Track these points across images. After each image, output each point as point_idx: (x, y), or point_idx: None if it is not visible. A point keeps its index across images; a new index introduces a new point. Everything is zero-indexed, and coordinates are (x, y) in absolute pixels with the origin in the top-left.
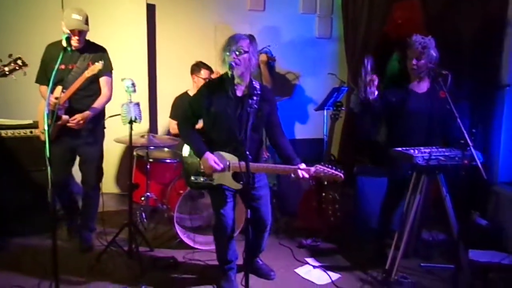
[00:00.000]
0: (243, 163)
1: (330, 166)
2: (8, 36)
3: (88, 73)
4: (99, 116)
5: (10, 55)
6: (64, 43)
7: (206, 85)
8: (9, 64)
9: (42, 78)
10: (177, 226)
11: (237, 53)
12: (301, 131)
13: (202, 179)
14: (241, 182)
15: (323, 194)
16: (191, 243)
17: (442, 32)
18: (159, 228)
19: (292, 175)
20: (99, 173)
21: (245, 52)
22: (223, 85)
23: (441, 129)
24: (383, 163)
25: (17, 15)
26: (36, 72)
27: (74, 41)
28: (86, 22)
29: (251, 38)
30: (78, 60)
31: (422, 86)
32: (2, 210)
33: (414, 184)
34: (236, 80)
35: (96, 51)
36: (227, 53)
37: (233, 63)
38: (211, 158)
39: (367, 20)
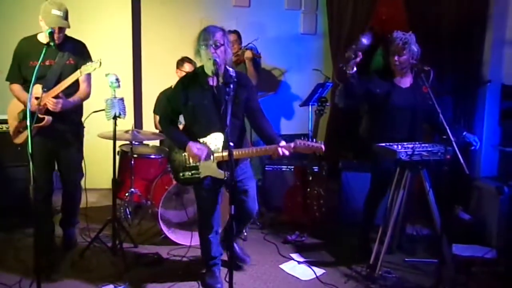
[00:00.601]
0: (226, 151)
1: (309, 140)
2: None
3: (81, 73)
4: (76, 113)
5: None
6: (47, 39)
7: (182, 80)
8: None
9: (14, 75)
10: (161, 222)
11: (214, 47)
12: (286, 127)
13: (189, 173)
14: (226, 171)
15: (308, 189)
16: (175, 239)
17: (424, 27)
18: (144, 224)
19: (274, 154)
20: (79, 172)
21: (221, 45)
22: (198, 78)
23: (424, 123)
24: (366, 158)
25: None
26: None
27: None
28: (66, 17)
29: (223, 29)
30: (56, 56)
31: (405, 81)
32: None
33: (398, 179)
34: (214, 73)
35: (75, 46)
36: (203, 47)
37: (217, 59)
38: (193, 146)
39: (352, 16)
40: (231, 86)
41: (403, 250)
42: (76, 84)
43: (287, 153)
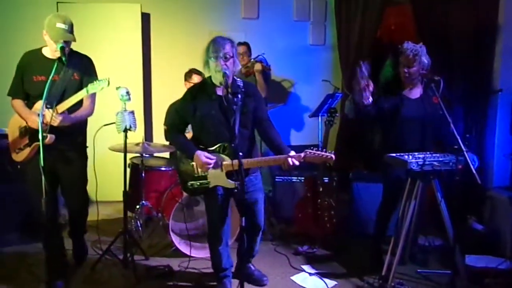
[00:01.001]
0: (235, 161)
1: (319, 149)
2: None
3: (88, 91)
4: (80, 132)
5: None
6: (55, 53)
7: (189, 90)
8: None
9: (17, 90)
10: (172, 234)
11: (224, 59)
12: (296, 138)
13: (198, 183)
14: (236, 182)
15: (319, 200)
16: (186, 251)
17: (434, 37)
18: (154, 237)
19: (284, 165)
20: (84, 197)
21: (231, 57)
22: (206, 88)
23: (435, 134)
24: (378, 169)
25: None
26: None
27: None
28: (71, 30)
29: (231, 41)
30: (61, 71)
31: (415, 92)
32: None
33: (409, 190)
34: (223, 84)
35: (81, 61)
36: (213, 59)
37: (227, 71)
38: (201, 154)
39: (360, 26)
40: (239, 96)
41: (416, 261)
42: (80, 101)
43: (297, 163)
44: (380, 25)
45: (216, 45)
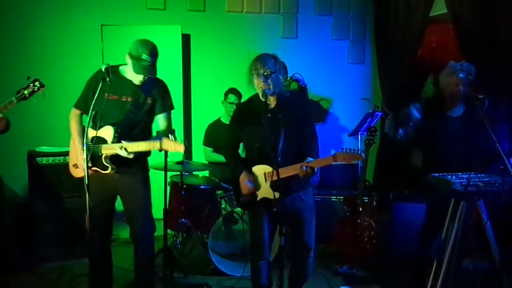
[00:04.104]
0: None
1: (350, 149)
2: (50, 66)
3: (163, 146)
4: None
5: (28, 78)
6: (140, 79)
7: (237, 107)
8: (27, 87)
9: (81, 102)
10: (211, 252)
11: (265, 75)
12: None
13: (248, 197)
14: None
15: (358, 220)
16: (225, 270)
17: (477, 55)
18: (194, 254)
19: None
20: (150, 222)
21: (273, 72)
22: (253, 105)
23: (480, 154)
24: (419, 188)
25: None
26: (62, 96)
27: None
28: (156, 61)
29: (275, 57)
30: (135, 93)
31: (458, 110)
32: (39, 235)
33: (453, 211)
34: (268, 101)
35: (156, 84)
36: (255, 76)
37: (266, 91)
38: (243, 180)
39: (400, 44)
40: (284, 108)
41: (459, 285)
42: (146, 125)
43: (309, 171)
44: (421, 43)
45: (258, 62)
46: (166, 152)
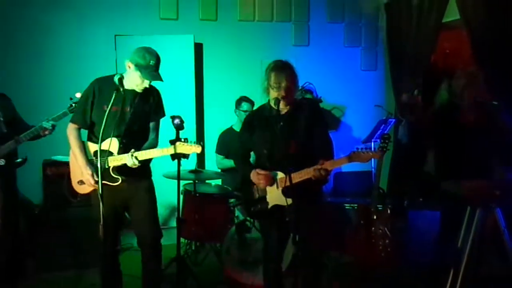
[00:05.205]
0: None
1: (367, 148)
2: (64, 76)
3: (178, 150)
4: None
5: (71, 99)
6: (144, 86)
7: (247, 117)
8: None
9: (78, 117)
10: (224, 261)
11: (283, 86)
12: (348, 164)
13: (259, 206)
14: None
15: (373, 228)
16: (238, 278)
17: (493, 61)
18: (207, 263)
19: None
20: (157, 229)
21: (292, 84)
22: (265, 112)
23: (496, 159)
24: (434, 196)
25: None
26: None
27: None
28: (158, 67)
29: (291, 67)
30: (133, 101)
31: (471, 116)
32: (53, 244)
33: (469, 218)
34: (280, 107)
35: (151, 92)
36: (275, 89)
37: (280, 97)
38: (255, 176)
39: (413, 50)
40: (297, 115)
41: None
42: (144, 133)
43: (323, 173)
44: (434, 49)
45: (276, 75)
46: (179, 160)
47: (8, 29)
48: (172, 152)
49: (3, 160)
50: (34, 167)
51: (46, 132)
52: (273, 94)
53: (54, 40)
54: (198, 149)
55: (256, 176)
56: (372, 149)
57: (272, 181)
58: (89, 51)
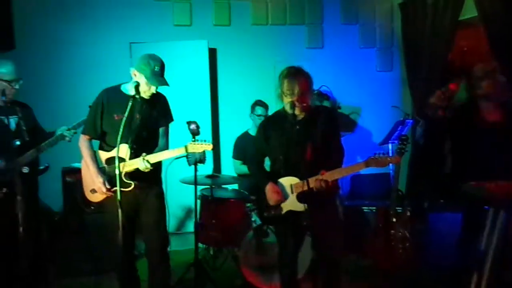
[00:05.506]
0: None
1: (381, 153)
2: (80, 84)
3: (189, 150)
4: (158, 169)
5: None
6: (150, 92)
7: (263, 123)
8: None
9: (90, 128)
10: (242, 265)
11: (296, 93)
12: None
13: (272, 211)
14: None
15: (392, 231)
16: (256, 283)
17: (509, 56)
18: (225, 268)
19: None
20: (166, 236)
21: (305, 90)
22: (280, 118)
23: None
24: (455, 197)
25: (85, 64)
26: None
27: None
28: (163, 73)
29: (305, 74)
30: (141, 108)
31: (492, 114)
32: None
33: (492, 220)
34: (296, 112)
35: (158, 99)
36: (288, 97)
37: (296, 102)
38: (270, 190)
39: (430, 49)
40: (312, 121)
41: None
42: (154, 139)
43: (323, 184)
44: (451, 47)
45: (290, 83)
46: (195, 166)
47: (26, 40)
48: (183, 152)
49: (26, 167)
50: (53, 175)
51: (67, 139)
52: (287, 100)
53: (71, 49)
54: (209, 147)
55: (270, 192)
56: (390, 151)
57: (283, 199)
58: (105, 59)
